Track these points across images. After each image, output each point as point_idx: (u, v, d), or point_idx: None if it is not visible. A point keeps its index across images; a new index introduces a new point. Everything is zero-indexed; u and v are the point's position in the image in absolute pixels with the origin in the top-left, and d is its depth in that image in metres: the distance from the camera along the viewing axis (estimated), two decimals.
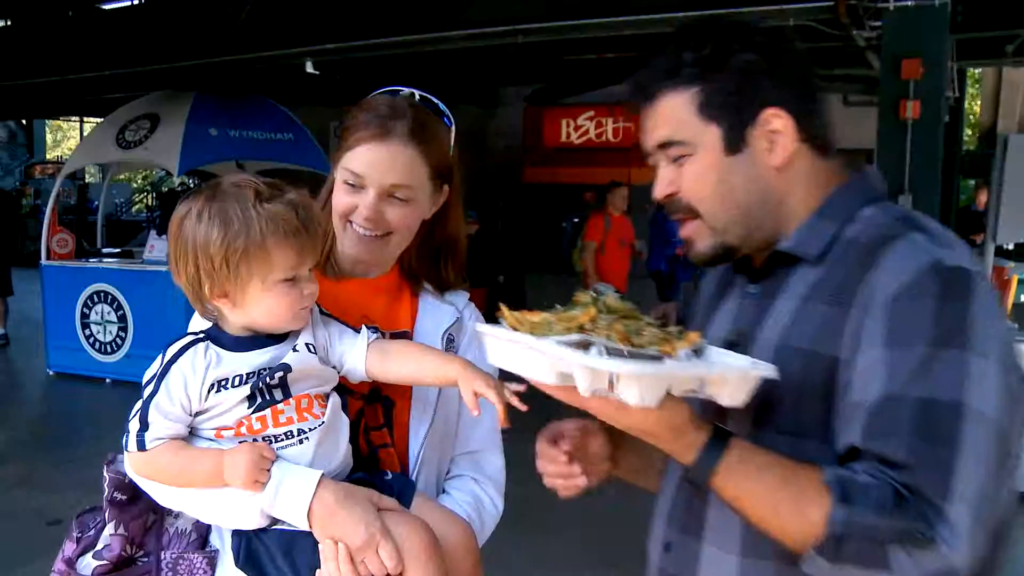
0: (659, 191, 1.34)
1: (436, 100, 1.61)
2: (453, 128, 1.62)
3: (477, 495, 1.61)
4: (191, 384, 1.38)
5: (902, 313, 1.13)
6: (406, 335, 1.61)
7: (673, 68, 1.29)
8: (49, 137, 29.21)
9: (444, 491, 1.63)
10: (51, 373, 9.20)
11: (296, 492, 1.36)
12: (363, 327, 1.51)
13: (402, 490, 1.48)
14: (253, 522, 1.39)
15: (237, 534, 1.42)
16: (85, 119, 21.19)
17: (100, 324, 8.88)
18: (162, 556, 1.51)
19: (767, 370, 1.13)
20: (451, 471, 1.65)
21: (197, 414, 1.40)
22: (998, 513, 1.13)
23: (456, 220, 1.68)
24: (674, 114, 1.29)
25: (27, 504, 5.35)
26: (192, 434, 1.42)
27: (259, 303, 1.39)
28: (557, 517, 4.48)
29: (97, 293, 8.86)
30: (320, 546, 1.36)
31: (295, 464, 1.39)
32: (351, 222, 1.54)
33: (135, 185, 25.46)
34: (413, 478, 1.55)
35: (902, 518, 1.05)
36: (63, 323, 9.04)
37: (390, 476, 1.51)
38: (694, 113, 1.28)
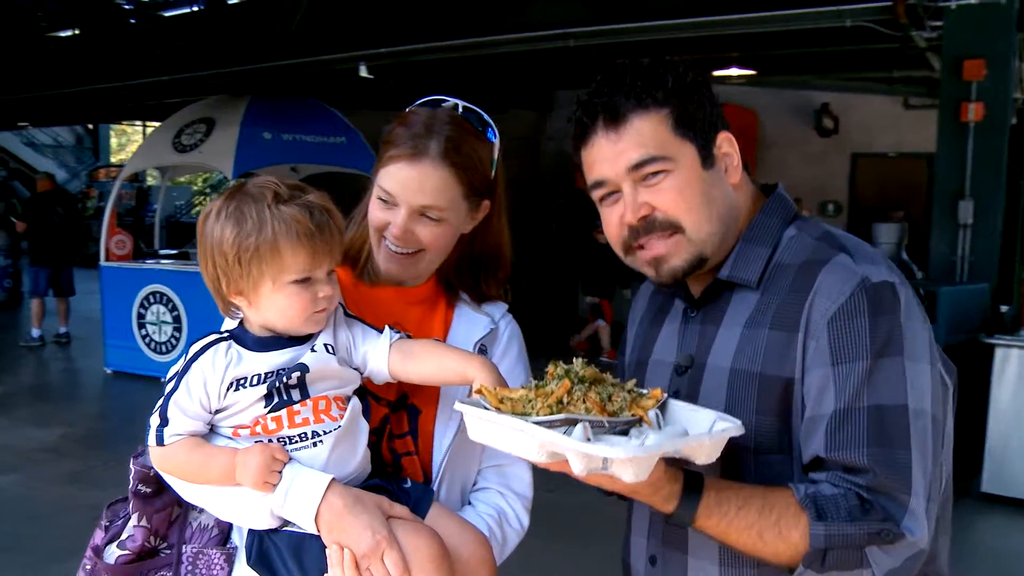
0: (631, 215, 1.36)
1: (480, 111, 1.56)
2: (497, 141, 1.57)
3: (502, 508, 1.58)
4: (211, 382, 1.38)
5: (841, 332, 1.25)
6: None
7: (640, 94, 1.34)
8: (114, 141, 29.97)
9: (469, 502, 1.59)
10: (108, 372, 9.44)
11: (305, 495, 1.35)
12: (386, 327, 1.49)
13: (419, 499, 1.45)
14: (264, 522, 1.38)
15: (251, 533, 1.42)
16: (147, 123, 21.71)
17: (156, 324, 9.07)
18: (183, 550, 1.52)
19: (735, 429, 1.20)
20: (478, 483, 1.62)
21: (217, 412, 1.40)
22: (941, 485, 1.30)
23: (498, 233, 1.65)
24: (651, 133, 1.34)
25: (80, 499, 5.46)
26: (212, 431, 1.42)
27: (271, 303, 1.39)
28: (587, 525, 4.45)
29: (153, 294, 9.06)
30: (327, 550, 1.35)
31: (308, 467, 1.38)
32: (384, 237, 1.52)
33: (196, 187, 25.97)
34: (435, 487, 1.52)
35: (871, 522, 1.20)
36: (120, 323, 9.26)
37: (409, 484, 1.49)
38: (669, 132, 1.34)
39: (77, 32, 12.58)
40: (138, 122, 23.68)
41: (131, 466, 1.52)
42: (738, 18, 6.98)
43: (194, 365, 1.40)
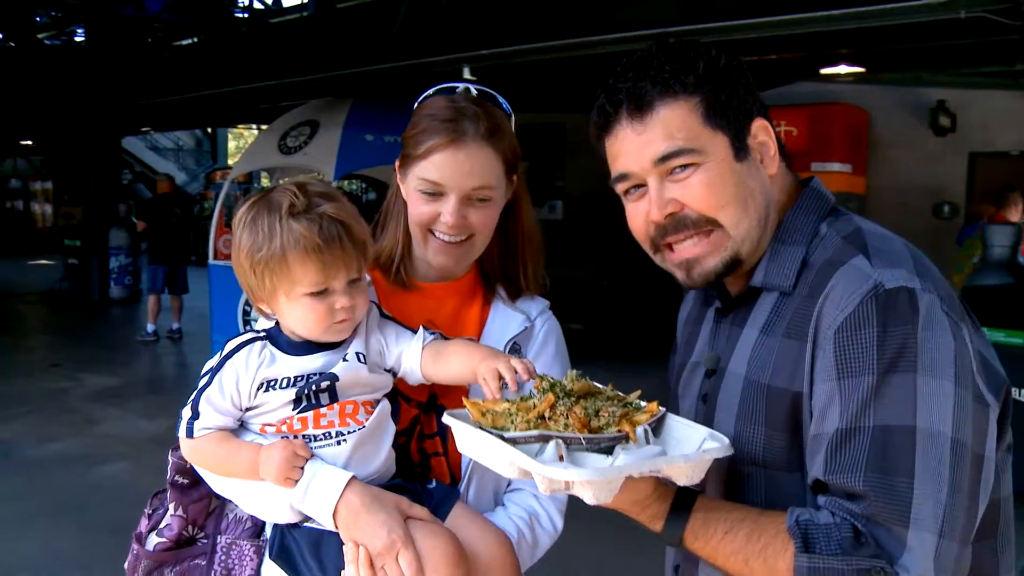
0: (657, 212, 1.27)
1: (491, 91, 1.56)
2: (513, 117, 1.57)
3: (534, 511, 1.54)
4: (242, 380, 1.40)
5: (848, 343, 1.13)
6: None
7: (668, 80, 1.24)
8: (232, 144, 31.24)
9: (501, 503, 1.57)
10: None
11: (324, 491, 1.35)
12: (420, 328, 1.48)
13: (442, 500, 1.44)
14: (284, 516, 1.39)
15: (274, 527, 1.44)
16: (262, 126, 22.49)
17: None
18: (218, 540, 1.55)
19: (720, 450, 1.14)
20: (511, 483, 1.59)
21: (247, 410, 1.42)
22: (969, 518, 1.13)
23: (528, 210, 1.63)
24: (679, 123, 1.24)
25: None
26: (242, 426, 1.44)
27: (289, 313, 1.40)
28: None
29: None
30: (344, 547, 1.35)
31: (329, 464, 1.38)
32: (432, 231, 1.50)
33: None
34: (463, 488, 1.51)
35: (863, 557, 1.07)
36: (226, 319, 9.55)
37: (434, 485, 1.48)
38: (699, 122, 1.24)
39: (195, 40, 13.13)
40: (254, 125, 24.56)
41: (169, 457, 1.55)
42: (842, 13, 6.68)
43: (228, 363, 1.42)
